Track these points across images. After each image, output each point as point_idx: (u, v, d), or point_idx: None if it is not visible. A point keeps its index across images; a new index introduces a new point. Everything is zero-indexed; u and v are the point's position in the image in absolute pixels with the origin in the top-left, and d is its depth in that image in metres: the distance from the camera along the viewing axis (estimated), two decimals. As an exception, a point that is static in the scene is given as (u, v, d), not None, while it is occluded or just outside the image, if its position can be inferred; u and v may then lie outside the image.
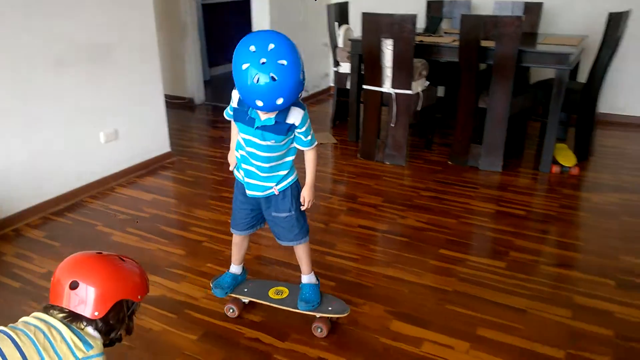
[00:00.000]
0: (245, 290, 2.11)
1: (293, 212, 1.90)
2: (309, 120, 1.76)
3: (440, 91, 4.58)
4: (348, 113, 4.14)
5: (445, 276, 2.36)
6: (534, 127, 4.05)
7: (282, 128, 1.71)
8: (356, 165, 3.72)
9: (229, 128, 1.95)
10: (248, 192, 1.87)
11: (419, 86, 3.58)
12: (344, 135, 4.25)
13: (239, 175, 1.89)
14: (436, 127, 4.30)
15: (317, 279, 2.05)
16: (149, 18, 3.43)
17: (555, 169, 3.47)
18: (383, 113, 3.78)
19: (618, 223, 2.83)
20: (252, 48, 1.51)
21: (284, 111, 1.69)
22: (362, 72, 3.75)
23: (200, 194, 3.29)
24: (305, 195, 1.88)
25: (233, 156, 1.92)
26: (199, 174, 3.59)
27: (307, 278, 2.03)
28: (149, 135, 3.61)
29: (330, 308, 1.98)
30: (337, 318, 2.03)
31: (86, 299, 1.26)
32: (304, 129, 1.75)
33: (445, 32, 3.99)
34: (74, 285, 1.26)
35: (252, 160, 1.79)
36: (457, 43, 3.40)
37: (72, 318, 1.26)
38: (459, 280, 2.33)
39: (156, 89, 3.61)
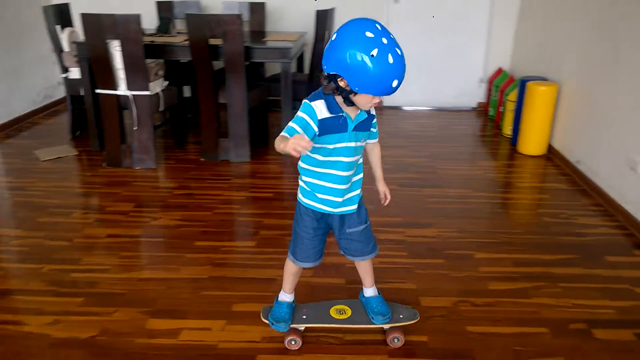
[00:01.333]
0: (304, 317, 1.95)
1: (368, 223, 1.83)
2: None
3: (187, 91, 4.64)
4: (87, 121, 3.89)
5: (201, 266, 2.44)
6: (278, 117, 4.42)
7: (369, 121, 1.67)
8: (102, 174, 3.53)
9: None
10: (338, 210, 1.73)
11: (157, 87, 3.57)
12: (87, 145, 3.98)
13: (322, 197, 1.70)
14: (189, 127, 4.37)
15: (379, 291, 2.00)
16: None
17: (295, 152, 3.86)
18: (126, 117, 3.67)
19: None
20: (369, 34, 1.42)
21: None
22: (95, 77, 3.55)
23: None
24: (387, 190, 1.86)
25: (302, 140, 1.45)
26: None
27: (373, 290, 1.97)
28: None
29: (401, 316, 1.94)
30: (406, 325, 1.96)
31: None
32: (375, 119, 1.72)
33: (178, 32, 4.05)
34: None
35: (346, 172, 1.67)
36: (188, 42, 3.49)
37: None
38: (214, 266, 2.44)
39: None
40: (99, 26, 3.29)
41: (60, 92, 5.15)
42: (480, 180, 3.50)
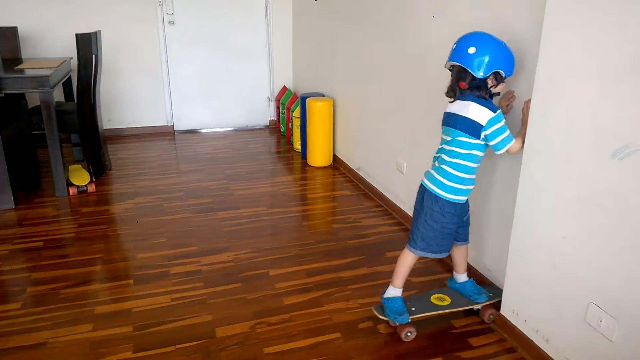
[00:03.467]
0: (414, 309, 2.08)
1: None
2: None
3: None
4: None
5: (-57, 346, 1.97)
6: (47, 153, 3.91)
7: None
8: None
9: None
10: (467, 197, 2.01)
11: None
12: None
13: (469, 188, 1.97)
14: None
15: None
16: None
17: (73, 190, 3.46)
18: None
19: (134, 226, 3.05)
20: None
21: None
22: None
23: None
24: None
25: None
26: None
27: (466, 275, 2.21)
28: None
29: (491, 294, 2.16)
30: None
31: None
32: None
33: None
34: None
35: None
36: None
37: None
38: (-38, 343, 1.99)
39: None
40: None
41: None
42: (275, 197, 3.57)
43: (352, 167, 3.91)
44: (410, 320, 2.03)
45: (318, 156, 4.13)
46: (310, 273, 2.53)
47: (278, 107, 5.19)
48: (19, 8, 4.29)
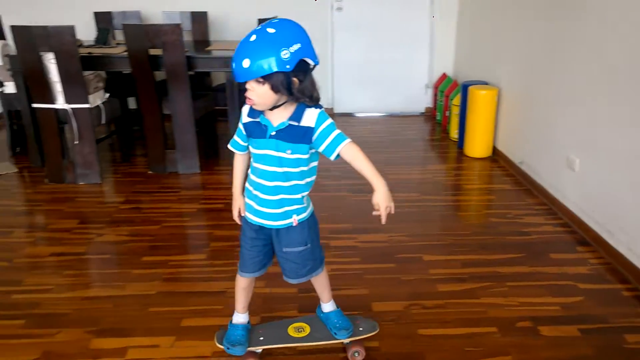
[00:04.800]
0: (261, 338, 1.86)
1: (309, 245, 1.69)
2: (329, 118, 1.54)
3: (133, 103, 4.52)
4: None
5: (148, 282, 2.36)
6: (226, 126, 4.38)
7: (298, 133, 1.51)
8: (44, 191, 3.38)
9: None
10: (262, 221, 1.64)
11: (97, 99, 3.46)
12: (28, 161, 3.80)
13: (249, 203, 1.66)
14: (135, 139, 4.25)
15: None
16: None
17: (246, 161, 3.83)
18: (67, 131, 3.53)
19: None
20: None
21: (297, 113, 1.51)
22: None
23: None
24: (380, 201, 1.54)
25: (238, 201, 1.71)
26: None
27: (331, 305, 1.91)
28: None
29: (361, 329, 1.88)
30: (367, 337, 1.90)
31: None
32: (321, 128, 1.52)
33: (118, 43, 3.94)
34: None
35: (268, 181, 1.58)
36: (127, 53, 3.40)
37: None
38: (162, 281, 2.37)
39: None
40: (31, 38, 3.15)
41: (-4, 107, 4.91)
42: (429, 184, 3.58)
43: (513, 160, 3.74)
44: (253, 351, 1.84)
45: (476, 146, 4.03)
46: (466, 264, 2.52)
47: (435, 95, 5.13)
48: (210, -6, 4.82)
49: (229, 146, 1.71)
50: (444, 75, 5.10)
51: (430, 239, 2.76)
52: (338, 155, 1.56)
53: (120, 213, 3.07)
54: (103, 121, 3.53)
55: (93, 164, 3.46)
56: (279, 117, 1.53)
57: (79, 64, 3.21)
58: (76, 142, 3.40)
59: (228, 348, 1.80)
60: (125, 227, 2.88)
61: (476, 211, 3.28)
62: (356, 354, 1.87)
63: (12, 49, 3.87)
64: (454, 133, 4.44)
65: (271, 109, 1.52)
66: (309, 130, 1.53)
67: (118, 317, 2.11)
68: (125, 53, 3.43)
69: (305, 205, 1.67)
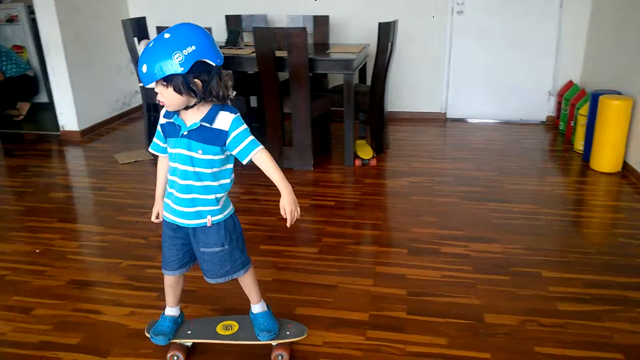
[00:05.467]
0: (189, 332, 1.92)
1: (226, 247, 1.73)
2: (244, 124, 1.63)
3: (254, 101, 4.80)
4: (161, 128, 4.11)
5: (265, 268, 2.51)
6: (339, 127, 4.49)
7: (209, 134, 1.60)
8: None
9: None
10: (177, 219, 1.70)
11: (227, 96, 3.72)
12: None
13: (167, 201, 1.73)
14: (255, 136, 4.50)
15: (268, 306, 1.94)
16: None
17: (358, 162, 3.91)
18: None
19: (408, 202, 3.30)
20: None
21: (210, 114, 1.59)
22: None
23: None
24: (286, 205, 1.63)
25: (158, 204, 1.80)
26: (-5, 207, 3.24)
27: (259, 307, 1.91)
28: None
29: (288, 332, 1.90)
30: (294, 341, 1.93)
31: None
32: (235, 133, 1.60)
33: (247, 45, 4.21)
34: None
35: (180, 180, 1.64)
36: (255, 54, 3.61)
37: None
38: (277, 270, 2.51)
39: None
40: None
41: (137, 101, 5.48)
42: (549, 197, 3.39)
43: (647, 178, 3.43)
44: (182, 344, 1.89)
45: (605, 160, 3.73)
46: (589, 284, 2.36)
47: (559, 103, 4.83)
48: (332, -1, 4.97)
49: (149, 149, 1.77)
50: (570, 83, 4.78)
51: (550, 255, 2.62)
52: (250, 160, 1.63)
53: (241, 203, 3.28)
54: (229, 117, 3.79)
55: (218, 156, 3.73)
56: (192, 118, 1.59)
57: (214, 64, 3.48)
58: (205, 135, 3.69)
59: (152, 337, 1.86)
60: (245, 216, 3.08)
61: (602, 229, 3.05)
62: (280, 357, 1.87)
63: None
64: (579, 144, 4.15)
65: (185, 109, 1.58)
66: (222, 133, 1.59)
67: (238, 299, 2.25)
68: (253, 54, 3.65)
69: (219, 207, 1.69)
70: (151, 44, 1.49)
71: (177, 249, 1.77)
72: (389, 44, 3.86)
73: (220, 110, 1.60)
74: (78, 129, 4.65)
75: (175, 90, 1.51)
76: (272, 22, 4.98)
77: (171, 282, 1.86)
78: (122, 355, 1.94)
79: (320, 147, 4.16)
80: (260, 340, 1.86)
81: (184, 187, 1.65)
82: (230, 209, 1.76)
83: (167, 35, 1.48)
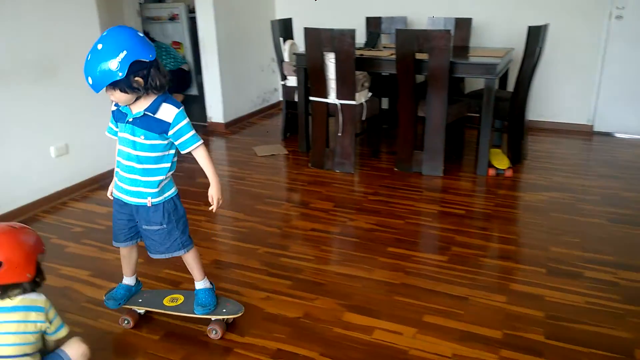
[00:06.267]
0: (140, 300, 2.14)
1: (165, 226, 1.91)
2: (186, 119, 1.81)
3: (385, 103, 4.82)
4: (298, 125, 4.30)
5: (393, 271, 2.52)
6: (472, 134, 4.34)
7: (151, 123, 1.78)
8: (307, 173, 3.86)
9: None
10: (122, 196, 1.89)
11: (362, 97, 3.78)
12: (295, 146, 4.40)
13: (115, 179, 1.93)
14: (383, 137, 4.54)
15: (212, 284, 2.12)
16: (93, 30, 3.46)
17: (491, 171, 3.74)
18: (330, 124, 3.96)
19: (547, 218, 3.09)
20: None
21: (154, 105, 1.77)
22: (309, 85, 3.91)
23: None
24: (213, 193, 1.90)
25: (113, 182, 1.96)
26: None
27: (201, 284, 2.08)
28: (99, 149, 3.61)
29: (224, 310, 2.07)
30: (230, 319, 2.10)
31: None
32: (178, 127, 1.79)
33: (384, 47, 4.23)
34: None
35: (124, 160, 1.84)
36: (394, 56, 3.62)
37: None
38: (406, 274, 2.50)
39: (105, 102, 3.63)
40: (318, 39, 3.61)
41: (276, 97, 5.79)
42: None
43: None
44: (134, 310, 2.12)
45: None
46: None
47: None
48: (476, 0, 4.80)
49: (106, 132, 1.93)
50: None
51: None
52: (189, 152, 1.84)
53: (369, 203, 3.32)
54: (363, 118, 3.85)
55: (350, 155, 3.82)
56: (138, 107, 1.78)
57: (354, 65, 3.56)
58: (339, 134, 3.80)
59: (105, 300, 2.09)
60: (373, 217, 3.11)
61: None
62: (213, 332, 2.03)
63: (297, 47, 4.51)
64: None
65: (136, 100, 1.77)
66: (164, 124, 1.78)
67: (366, 297, 2.30)
68: (392, 56, 3.67)
69: (157, 190, 1.87)
70: (89, 57, 1.65)
71: (123, 223, 1.98)
72: (538, 49, 3.64)
73: (164, 102, 1.78)
74: (223, 121, 5.04)
75: (121, 91, 1.70)
76: (411, 24, 4.95)
77: (125, 253, 2.08)
78: (257, 336, 2.06)
79: (451, 153, 4.05)
80: (195, 314, 2.04)
81: (127, 167, 1.85)
82: (171, 191, 1.94)
83: (99, 46, 1.64)
